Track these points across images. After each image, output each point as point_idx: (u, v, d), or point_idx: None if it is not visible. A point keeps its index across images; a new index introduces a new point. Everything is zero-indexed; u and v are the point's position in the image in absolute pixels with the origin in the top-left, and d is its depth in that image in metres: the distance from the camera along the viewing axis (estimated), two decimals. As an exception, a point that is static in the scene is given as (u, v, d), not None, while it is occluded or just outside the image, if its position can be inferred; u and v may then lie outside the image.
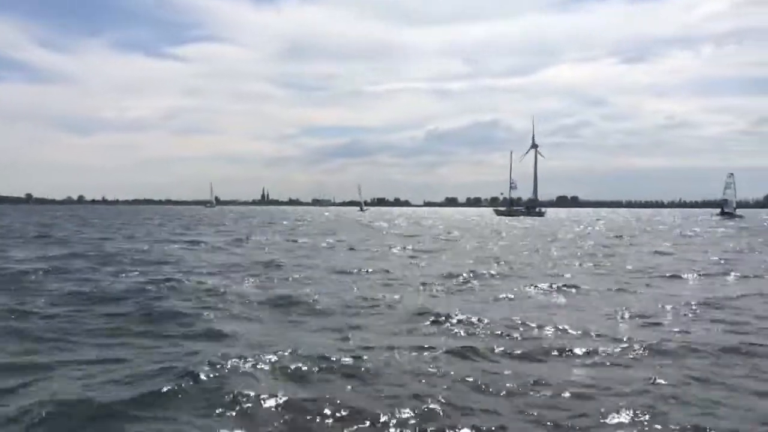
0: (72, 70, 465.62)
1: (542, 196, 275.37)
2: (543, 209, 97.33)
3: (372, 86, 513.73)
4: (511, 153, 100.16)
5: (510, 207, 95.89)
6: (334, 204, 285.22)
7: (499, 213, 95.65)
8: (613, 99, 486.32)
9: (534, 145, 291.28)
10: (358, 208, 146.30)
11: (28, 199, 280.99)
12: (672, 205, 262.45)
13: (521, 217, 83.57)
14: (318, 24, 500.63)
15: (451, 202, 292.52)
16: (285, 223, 56.29)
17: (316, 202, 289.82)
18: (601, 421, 4.99)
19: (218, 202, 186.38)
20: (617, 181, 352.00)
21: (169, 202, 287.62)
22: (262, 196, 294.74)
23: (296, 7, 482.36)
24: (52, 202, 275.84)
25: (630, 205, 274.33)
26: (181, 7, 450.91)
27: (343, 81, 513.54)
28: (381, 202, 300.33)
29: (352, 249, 23.78)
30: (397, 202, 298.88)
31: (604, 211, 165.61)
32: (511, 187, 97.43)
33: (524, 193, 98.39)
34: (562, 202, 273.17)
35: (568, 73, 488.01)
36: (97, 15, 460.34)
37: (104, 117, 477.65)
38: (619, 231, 42.58)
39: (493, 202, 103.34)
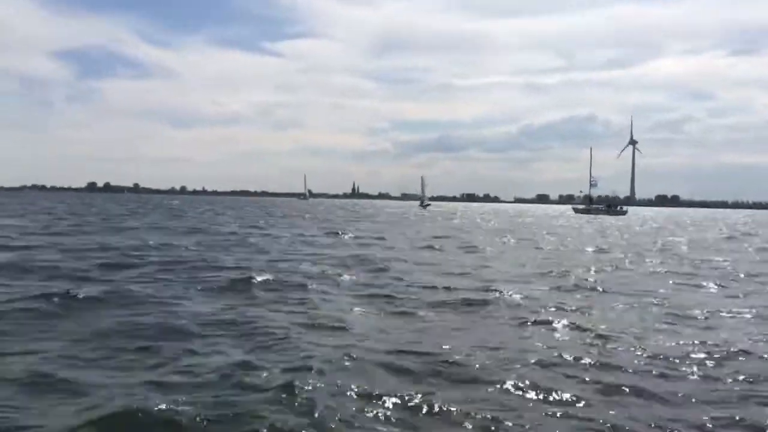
0: (173, 65, 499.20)
1: (640, 195, 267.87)
2: (625, 208, 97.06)
3: (463, 80, 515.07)
4: (591, 149, 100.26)
5: (589, 205, 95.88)
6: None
7: (577, 211, 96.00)
8: (719, 93, 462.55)
9: (632, 142, 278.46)
10: (419, 203, 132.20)
11: (135, 189, 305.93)
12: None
13: (600, 216, 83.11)
14: (410, 18, 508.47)
15: (542, 198, 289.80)
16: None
17: (405, 197, 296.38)
18: None
19: (311, 194, 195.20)
20: (723, 179, 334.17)
21: (264, 193, 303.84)
22: (353, 189, 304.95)
23: (388, 2, 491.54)
24: (157, 191, 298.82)
25: (737, 205, 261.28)
26: (279, 3, 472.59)
27: (435, 75, 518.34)
28: (470, 197, 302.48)
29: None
30: (487, 198, 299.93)
31: (702, 212, 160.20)
32: (591, 185, 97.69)
33: (622, 190, 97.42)
34: (662, 201, 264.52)
35: (670, 66, 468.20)
36: (198, 11, 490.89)
37: (203, 111, 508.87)
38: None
39: (585, 200, 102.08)
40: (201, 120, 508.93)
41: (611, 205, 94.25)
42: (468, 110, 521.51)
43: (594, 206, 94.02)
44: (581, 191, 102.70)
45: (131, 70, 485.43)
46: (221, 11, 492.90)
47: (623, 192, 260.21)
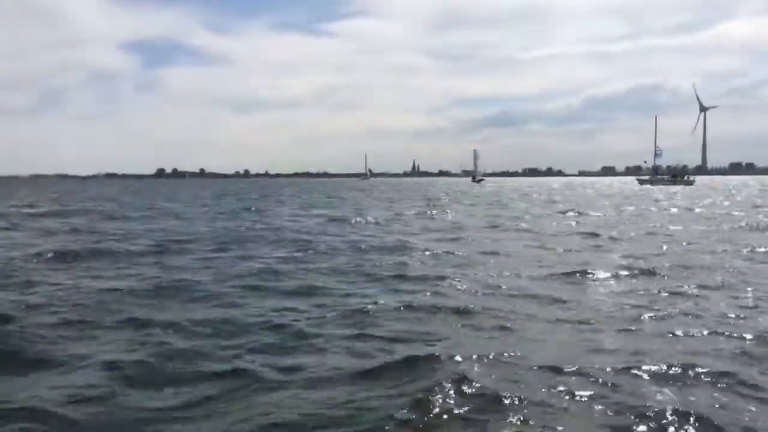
0: (233, 51, 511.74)
1: (713, 163, 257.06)
2: (692, 177, 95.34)
3: (524, 53, 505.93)
4: (656, 118, 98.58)
5: (654, 175, 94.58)
6: (486, 175, 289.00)
7: (642, 182, 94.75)
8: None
9: (703, 109, 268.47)
10: (471, 178, 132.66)
11: (202, 173, 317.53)
12: None
13: (666, 186, 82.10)
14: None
15: (608, 171, 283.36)
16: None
17: (466, 173, 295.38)
18: None
19: (371, 174, 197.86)
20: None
21: (325, 174, 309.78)
22: (413, 167, 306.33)
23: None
24: (223, 176, 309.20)
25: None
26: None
27: (494, 49, 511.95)
28: (533, 172, 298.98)
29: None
30: (550, 172, 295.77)
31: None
32: (656, 155, 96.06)
33: (693, 159, 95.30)
34: (736, 169, 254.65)
35: (744, 28, 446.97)
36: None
37: (262, 96, 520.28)
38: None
39: (650, 171, 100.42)
40: (261, 104, 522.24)
41: (677, 176, 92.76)
42: (529, 84, 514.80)
43: (659, 177, 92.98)
44: (645, 162, 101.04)
45: (193, 57, 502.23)
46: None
47: (695, 161, 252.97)
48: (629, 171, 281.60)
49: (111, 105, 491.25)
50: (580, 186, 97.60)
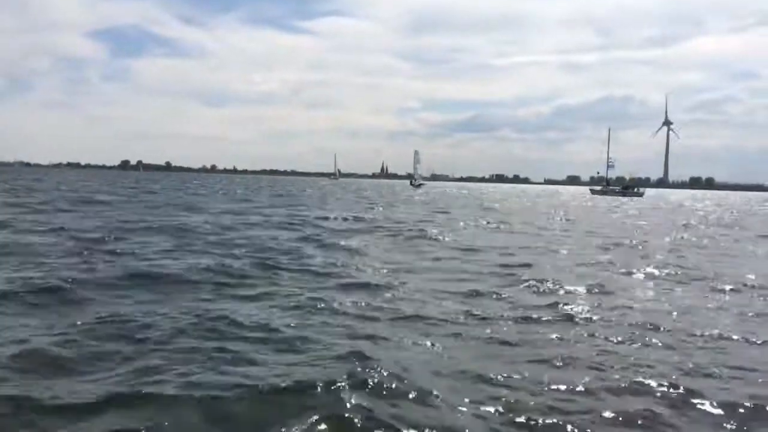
0: (207, 44, 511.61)
1: (675, 177, 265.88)
2: (641, 189, 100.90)
3: (497, 59, 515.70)
4: (609, 129, 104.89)
5: (605, 186, 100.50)
6: (453, 179, 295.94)
7: (594, 192, 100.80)
8: (764, 72, 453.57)
9: (667, 122, 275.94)
10: (409, 181, 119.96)
11: (168, 166, 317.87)
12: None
13: (615, 197, 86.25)
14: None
15: (573, 180, 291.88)
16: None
17: (434, 177, 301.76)
18: None
19: (340, 174, 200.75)
20: (766, 162, 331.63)
21: (294, 173, 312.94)
22: (382, 169, 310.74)
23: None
24: (189, 170, 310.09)
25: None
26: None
27: (468, 54, 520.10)
28: (500, 178, 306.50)
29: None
30: (516, 179, 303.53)
31: (735, 195, 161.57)
32: (608, 166, 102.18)
33: (654, 172, 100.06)
34: (696, 183, 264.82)
35: (712, 45, 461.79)
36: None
37: (235, 90, 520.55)
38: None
39: (619, 181, 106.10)
40: (233, 99, 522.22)
41: (628, 187, 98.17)
42: (502, 90, 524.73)
43: (610, 188, 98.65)
44: (598, 172, 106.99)
45: (165, 48, 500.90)
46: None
47: (658, 174, 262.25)
48: (594, 181, 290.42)
49: (77, 93, 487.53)
50: (523, 194, 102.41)
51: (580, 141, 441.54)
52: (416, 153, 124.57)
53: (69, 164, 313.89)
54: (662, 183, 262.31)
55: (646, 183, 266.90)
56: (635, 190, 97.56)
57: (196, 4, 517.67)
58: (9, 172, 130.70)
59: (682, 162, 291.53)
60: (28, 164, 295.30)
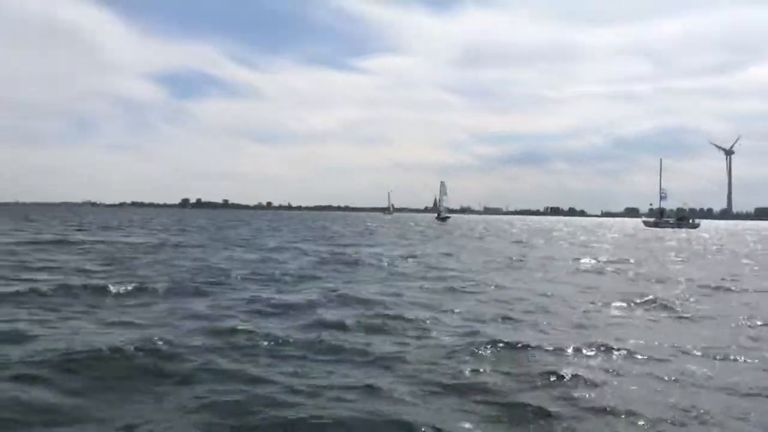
0: (262, 84, 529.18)
1: (738, 207, 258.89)
2: (697, 221, 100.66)
3: (549, 91, 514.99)
4: (661, 160, 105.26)
5: (659, 218, 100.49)
6: (506, 213, 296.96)
7: (647, 224, 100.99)
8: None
9: (729, 151, 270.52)
10: (438, 216, 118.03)
11: (225, 204, 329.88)
12: None
13: (671, 230, 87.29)
14: (495, 29, 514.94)
15: (631, 212, 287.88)
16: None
17: (488, 210, 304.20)
18: None
19: (394, 209, 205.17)
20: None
21: (347, 208, 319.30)
22: (434, 203, 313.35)
23: (473, 14, 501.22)
24: (246, 207, 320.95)
25: None
26: (364, 21, 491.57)
27: (520, 86, 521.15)
28: (555, 211, 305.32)
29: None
30: (572, 212, 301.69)
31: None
32: (661, 197, 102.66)
33: (718, 203, 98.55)
34: (762, 214, 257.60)
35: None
36: (285, 32, 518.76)
37: (290, 128, 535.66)
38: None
39: (679, 212, 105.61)
40: (288, 137, 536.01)
41: (683, 218, 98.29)
42: (554, 122, 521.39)
43: (664, 219, 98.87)
44: (651, 204, 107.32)
45: (221, 89, 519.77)
46: (307, 31, 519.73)
47: (720, 204, 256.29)
48: (653, 213, 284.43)
49: (139, 135, 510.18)
50: (564, 227, 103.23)
51: (638, 172, 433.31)
52: (442, 184, 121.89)
53: (133, 203, 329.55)
54: (726, 214, 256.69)
55: (709, 214, 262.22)
56: (690, 221, 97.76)
57: (251, 46, 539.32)
58: (83, 213, 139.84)
59: (747, 192, 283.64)
60: (94, 204, 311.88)
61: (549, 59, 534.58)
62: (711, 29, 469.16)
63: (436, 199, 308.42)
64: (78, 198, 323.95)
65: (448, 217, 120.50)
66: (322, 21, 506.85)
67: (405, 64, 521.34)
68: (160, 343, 7.97)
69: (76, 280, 14.14)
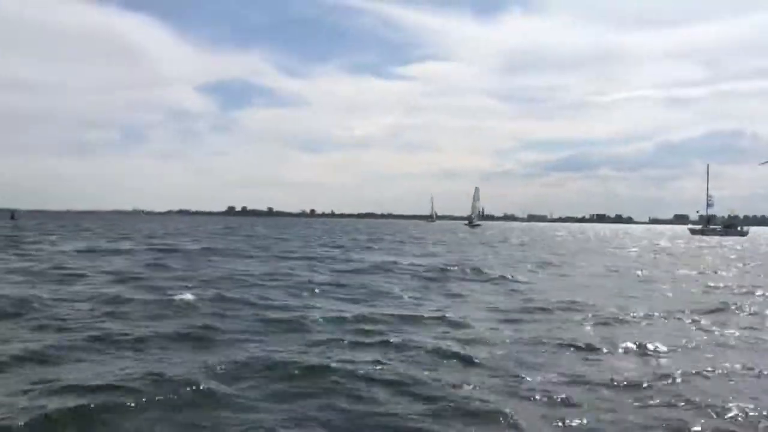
0: (306, 92, 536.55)
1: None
2: (746, 228, 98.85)
3: (596, 96, 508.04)
4: (708, 166, 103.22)
5: (706, 225, 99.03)
6: (551, 220, 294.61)
7: (693, 232, 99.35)
8: None
9: None
10: (467, 222, 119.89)
11: (270, 212, 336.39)
12: None
13: (717, 237, 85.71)
14: (540, 34, 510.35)
15: (680, 219, 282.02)
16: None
17: (531, 218, 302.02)
18: None
19: (437, 216, 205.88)
20: None
21: (390, 216, 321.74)
22: (478, 211, 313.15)
23: (518, 19, 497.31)
24: (289, 215, 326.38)
25: None
26: (406, 28, 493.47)
27: (565, 92, 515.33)
28: (601, 218, 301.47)
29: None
30: (619, 219, 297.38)
31: None
32: (708, 204, 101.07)
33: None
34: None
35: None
36: (329, 40, 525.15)
37: (333, 136, 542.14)
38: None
39: (730, 219, 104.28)
40: (331, 145, 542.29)
41: (730, 226, 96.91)
42: (601, 128, 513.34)
43: (710, 227, 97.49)
44: (698, 211, 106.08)
45: (266, 98, 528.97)
46: (350, 39, 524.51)
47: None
48: (702, 219, 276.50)
49: (186, 144, 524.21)
50: (605, 236, 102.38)
51: (687, 178, 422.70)
52: (476, 190, 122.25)
53: (180, 211, 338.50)
54: (733, 219, 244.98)
55: (762, 221, 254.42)
56: (739, 228, 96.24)
57: (296, 55, 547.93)
58: (136, 219, 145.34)
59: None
60: (141, 212, 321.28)
61: (595, 64, 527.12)
62: (763, 31, 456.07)
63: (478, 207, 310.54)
64: (127, 206, 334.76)
65: (479, 225, 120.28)
66: (365, 29, 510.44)
67: (449, 71, 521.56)
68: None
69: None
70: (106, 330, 9.69)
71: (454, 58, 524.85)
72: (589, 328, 11.22)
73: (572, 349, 9.31)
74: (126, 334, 9.37)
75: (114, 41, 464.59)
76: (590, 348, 9.36)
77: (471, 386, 7.21)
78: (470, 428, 5.93)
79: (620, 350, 9.33)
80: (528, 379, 7.59)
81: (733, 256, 37.84)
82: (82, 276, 17.60)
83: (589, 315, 12.48)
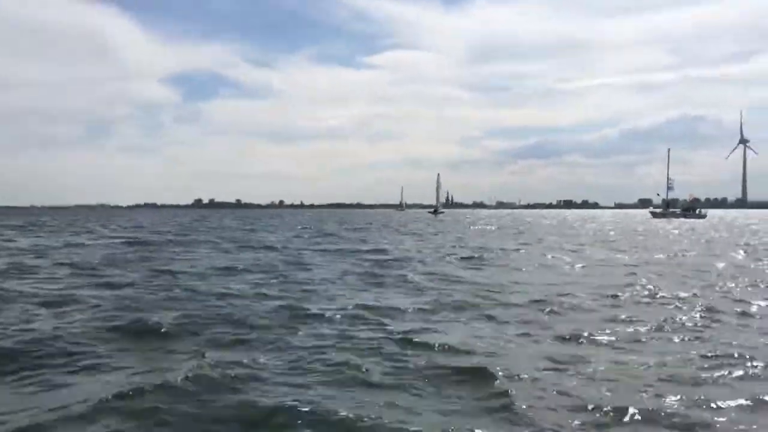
0: (274, 83, 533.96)
1: (754, 197, 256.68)
2: (704, 211, 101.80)
3: (563, 84, 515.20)
4: (669, 150, 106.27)
5: (666, 209, 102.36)
6: (519, 207, 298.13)
7: (654, 215, 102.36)
8: None
9: (743, 140, 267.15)
10: (432, 210, 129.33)
11: (238, 204, 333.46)
12: None
13: (677, 220, 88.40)
14: (507, 23, 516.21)
15: (644, 203, 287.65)
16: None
17: (501, 205, 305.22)
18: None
19: (406, 206, 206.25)
20: None
21: (359, 206, 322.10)
22: (447, 199, 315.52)
23: (486, 8, 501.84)
24: (258, 206, 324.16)
25: None
26: (374, 18, 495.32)
27: (532, 80, 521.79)
28: (568, 204, 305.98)
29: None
30: (585, 205, 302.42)
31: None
32: (668, 188, 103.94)
33: (733, 193, 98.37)
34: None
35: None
36: (297, 31, 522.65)
37: (302, 126, 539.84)
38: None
39: (666, 204, 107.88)
40: (300, 135, 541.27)
41: (689, 209, 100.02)
42: (568, 115, 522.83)
43: (671, 210, 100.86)
44: (658, 194, 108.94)
45: (233, 90, 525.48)
46: (318, 30, 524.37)
47: (735, 194, 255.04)
48: (665, 203, 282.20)
49: (152, 136, 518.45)
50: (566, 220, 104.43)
51: (652, 163, 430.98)
52: (438, 176, 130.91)
53: (146, 204, 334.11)
54: (742, 203, 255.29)
55: (723, 204, 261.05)
56: (697, 211, 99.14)
57: (263, 46, 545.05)
58: (102, 214, 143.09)
59: (763, 181, 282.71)
60: (107, 206, 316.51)
61: (563, 52, 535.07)
62: (728, 18, 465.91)
63: (447, 195, 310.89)
64: (92, 201, 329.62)
65: (443, 212, 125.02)
66: (333, 19, 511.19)
67: (416, 59, 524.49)
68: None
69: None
70: None
71: (421, 47, 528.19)
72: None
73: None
74: None
75: (79, 34, 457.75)
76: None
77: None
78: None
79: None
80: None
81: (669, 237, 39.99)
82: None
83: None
